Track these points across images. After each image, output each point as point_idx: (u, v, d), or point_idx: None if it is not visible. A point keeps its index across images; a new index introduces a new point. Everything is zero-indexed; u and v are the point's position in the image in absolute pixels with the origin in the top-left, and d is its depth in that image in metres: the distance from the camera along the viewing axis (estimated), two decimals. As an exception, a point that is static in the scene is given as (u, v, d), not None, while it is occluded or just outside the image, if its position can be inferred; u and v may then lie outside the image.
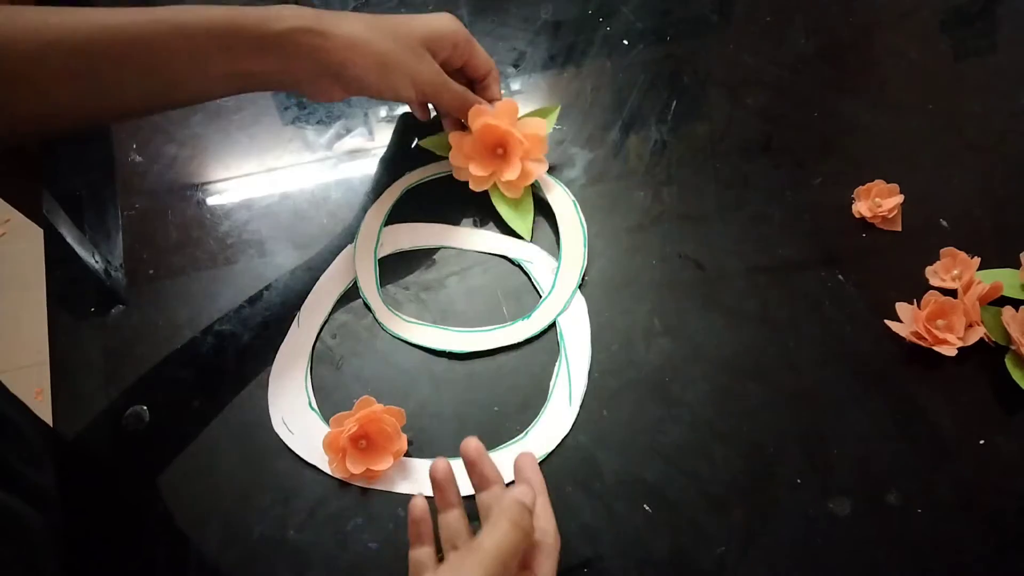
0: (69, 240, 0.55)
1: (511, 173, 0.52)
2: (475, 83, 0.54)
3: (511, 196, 0.53)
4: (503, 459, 0.45)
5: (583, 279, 0.51)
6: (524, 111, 0.55)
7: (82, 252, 0.55)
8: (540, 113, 0.56)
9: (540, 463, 0.44)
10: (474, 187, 0.53)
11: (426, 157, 0.57)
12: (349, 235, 0.54)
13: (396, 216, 0.55)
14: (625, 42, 0.64)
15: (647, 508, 0.44)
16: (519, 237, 0.53)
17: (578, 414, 0.47)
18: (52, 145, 0.59)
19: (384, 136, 0.59)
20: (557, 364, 0.48)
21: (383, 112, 0.61)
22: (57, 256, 0.55)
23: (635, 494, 0.44)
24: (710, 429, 0.46)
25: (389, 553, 0.43)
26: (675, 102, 0.60)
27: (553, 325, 0.50)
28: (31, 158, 0.60)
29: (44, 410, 0.48)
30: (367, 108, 0.61)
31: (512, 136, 0.52)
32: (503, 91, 0.61)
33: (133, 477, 0.46)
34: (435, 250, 0.53)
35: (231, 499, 0.45)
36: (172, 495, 0.45)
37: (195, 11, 0.43)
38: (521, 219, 0.53)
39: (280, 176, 0.58)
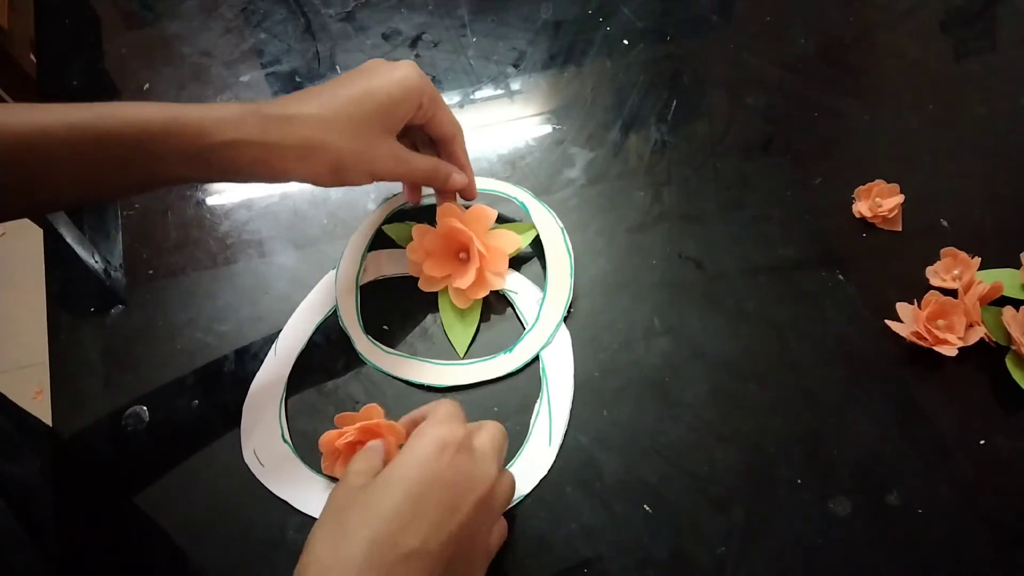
0: (69, 240, 0.55)
1: (464, 281, 0.49)
2: (439, 145, 0.50)
3: (459, 305, 0.50)
4: None
5: (569, 311, 0.50)
6: (524, 112, 0.55)
7: (82, 252, 0.55)
8: (518, 228, 0.53)
9: (513, 508, 0.44)
10: (423, 287, 0.50)
11: None
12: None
13: (379, 242, 0.54)
14: (625, 42, 0.64)
15: (647, 508, 0.44)
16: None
17: (578, 414, 0.47)
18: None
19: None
20: (538, 402, 0.47)
21: (383, 112, 0.61)
22: (57, 256, 0.55)
23: (635, 494, 0.44)
24: (710, 429, 0.46)
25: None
26: (675, 102, 0.60)
27: (536, 359, 0.49)
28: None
29: (44, 410, 0.48)
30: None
31: (474, 246, 0.49)
32: (502, 91, 0.62)
33: (133, 477, 0.46)
34: (418, 278, 0.51)
35: (231, 499, 0.45)
36: (172, 495, 0.45)
37: (124, 112, 0.39)
38: (463, 331, 0.49)
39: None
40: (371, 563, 0.32)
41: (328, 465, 0.44)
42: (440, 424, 0.37)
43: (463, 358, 0.49)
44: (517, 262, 0.52)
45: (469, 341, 0.49)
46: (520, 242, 0.51)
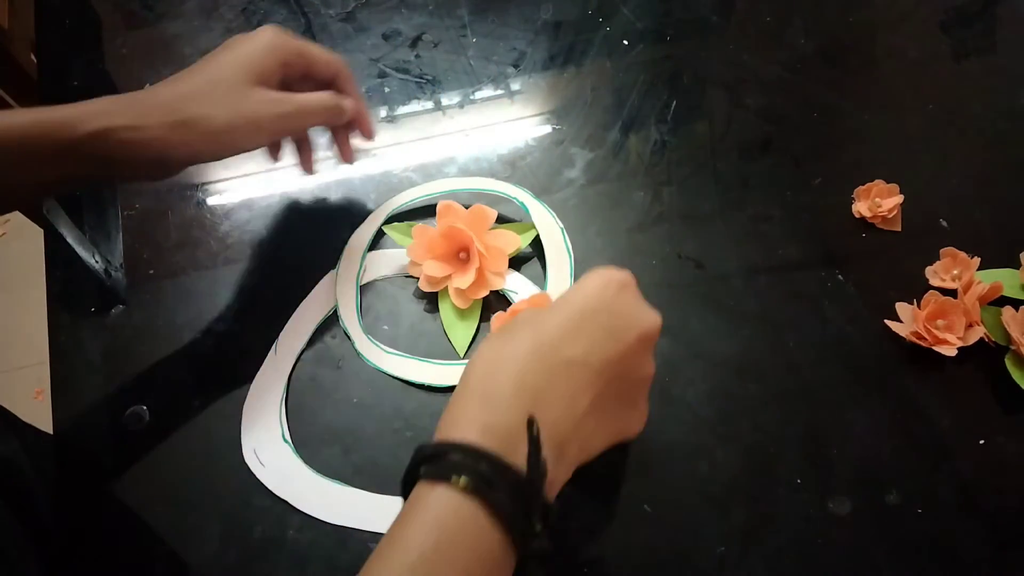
0: (69, 240, 0.55)
1: (464, 281, 0.49)
2: (330, 88, 0.50)
3: (459, 305, 0.49)
4: None
5: None
6: (524, 113, 0.55)
7: (82, 252, 0.55)
8: (518, 228, 0.53)
9: None
10: (423, 287, 0.50)
11: (409, 182, 0.57)
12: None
13: (380, 242, 0.54)
14: (625, 42, 0.64)
15: (647, 508, 0.44)
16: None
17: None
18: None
19: (385, 136, 0.59)
20: None
21: (383, 112, 0.61)
22: (57, 256, 0.55)
23: (635, 494, 0.44)
24: (710, 429, 0.46)
25: (389, 553, 0.43)
26: (675, 102, 0.60)
27: None
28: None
29: (44, 410, 0.48)
30: (367, 108, 0.61)
31: (474, 246, 0.49)
32: (503, 91, 0.62)
33: (133, 477, 0.46)
34: (418, 278, 0.51)
35: (231, 499, 0.45)
36: (172, 495, 0.45)
37: None
38: (463, 331, 0.49)
39: (280, 176, 0.58)
40: (535, 358, 0.34)
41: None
42: (604, 269, 0.38)
43: (463, 358, 0.49)
44: (517, 262, 0.52)
45: (469, 341, 0.49)
46: (520, 242, 0.51)
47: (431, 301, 0.51)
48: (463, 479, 0.29)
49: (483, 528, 0.29)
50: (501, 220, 0.53)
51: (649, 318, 0.38)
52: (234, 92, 0.43)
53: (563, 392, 0.34)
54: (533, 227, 0.53)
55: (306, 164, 0.53)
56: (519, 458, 0.31)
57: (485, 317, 0.50)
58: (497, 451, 0.30)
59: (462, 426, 0.32)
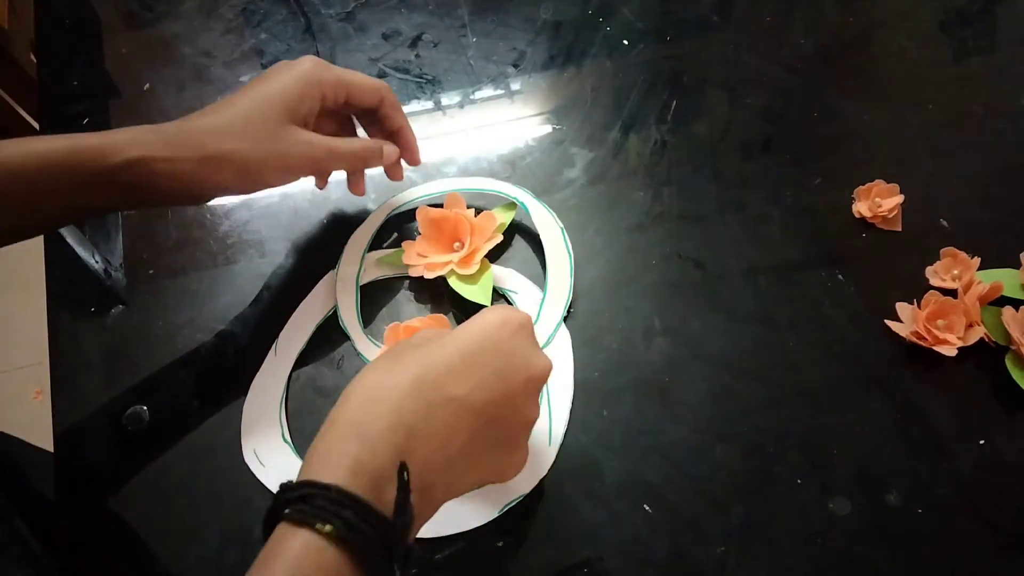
0: (69, 240, 0.55)
1: (462, 252, 0.50)
2: (373, 116, 0.50)
3: (466, 272, 0.50)
4: (483, 498, 0.44)
5: (569, 311, 0.50)
6: (524, 113, 0.54)
7: (82, 252, 0.55)
8: (498, 211, 0.53)
9: (512, 507, 0.43)
10: (428, 274, 0.50)
11: (409, 183, 0.57)
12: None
13: (380, 241, 0.54)
14: (625, 42, 0.64)
15: (647, 508, 0.44)
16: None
17: (578, 414, 0.47)
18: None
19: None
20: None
21: (383, 112, 0.61)
22: (57, 256, 0.55)
23: (635, 494, 0.44)
24: (710, 429, 0.46)
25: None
26: (675, 102, 0.60)
27: None
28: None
29: (44, 410, 0.48)
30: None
31: (462, 221, 0.50)
32: (503, 91, 0.62)
33: (133, 477, 0.46)
34: (419, 277, 0.51)
35: (231, 499, 0.45)
36: (172, 495, 0.45)
37: (23, 146, 0.39)
38: (482, 292, 0.50)
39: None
40: (414, 395, 0.33)
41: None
42: (505, 308, 0.38)
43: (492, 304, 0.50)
44: (517, 262, 0.52)
45: (490, 294, 0.50)
46: (502, 218, 0.52)
47: (431, 300, 0.51)
48: (328, 526, 0.28)
49: (343, 574, 0.29)
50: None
51: (540, 362, 0.37)
52: (266, 130, 0.43)
53: (439, 430, 0.33)
54: (512, 206, 0.54)
55: (355, 188, 0.52)
56: (386, 501, 0.30)
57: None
58: (365, 495, 0.30)
59: (332, 462, 0.31)
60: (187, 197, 0.44)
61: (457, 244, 0.51)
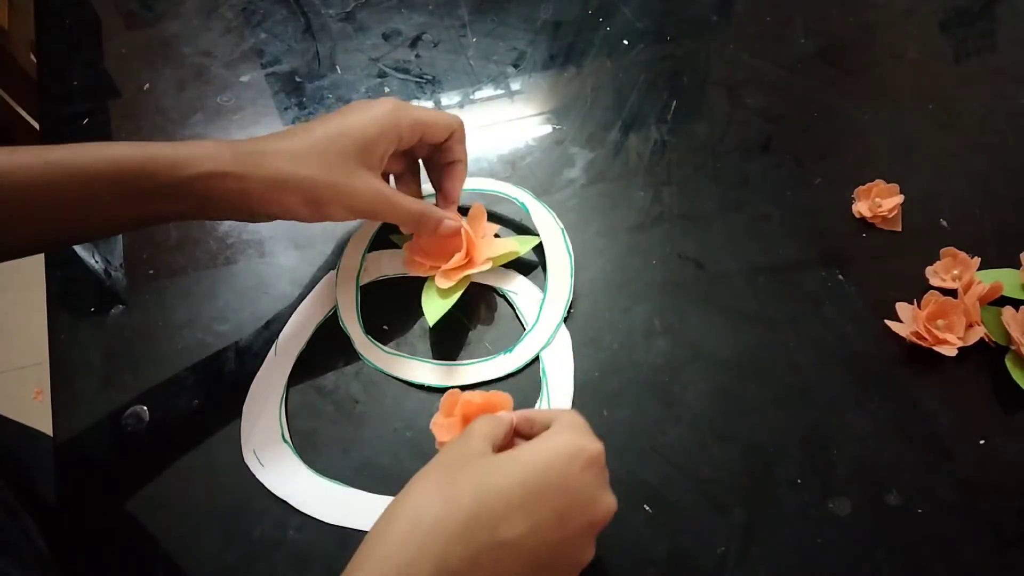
0: (69, 240, 0.55)
1: (451, 264, 0.49)
2: (443, 145, 0.49)
3: (440, 286, 0.49)
4: None
5: (569, 311, 0.50)
6: (524, 113, 0.54)
7: (82, 252, 0.55)
8: (520, 241, 0.52)
9: None
10: (412, 270, 0.51)
11: None
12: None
13: (380, 242, 0.54)
14: (625, 42, 0.64)
15: (647, 508, 0.44)
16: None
17: (578, 414, 0.46)
18: (52, 145, 0.59)
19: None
20: (538, 402, 0.47)
21: (383, 112, 0.61)
22: (57, 256, 0.55)
23: (635, 494, 0.44)
24: (710, 429, 0.46)
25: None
26: (675, 102, 0.60)
27: (536, 359, 0.49)
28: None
29: (44, 410, 0.48)
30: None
31: (465, 231, 0.49)
32: (503, 91, 0.62)
33: (133, 477, 0.46)
34: (420, 277, 0.51)
35: (231, 499, 0.45)
36: (172, 495, 0.45)
37: (101, 151, 0.40)
38: (437, 306, 0.49)
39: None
40: (465, 538, 0.31)
41: (444, 431, 0.43)
42: (579, 431, 0.35)
43: (431, 328, 0.49)
44: (517, 263, 0.52)
45: (439, 316, 0.48)
46: (516, 248, 0.51)
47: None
48: None
49: None
50: (501, 221, 0.54)
51: (605, 505, 0.35)
52: (339, 167, 0.43)
53: None
54: (535, 236, 0.52)
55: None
56: None
57: (486, 318, 0.51)
58: None
59: None
60: (251, 215, 0.44)
61: (466, 259, 0.50)
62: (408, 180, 0.51)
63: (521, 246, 0.51)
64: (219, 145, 0.42)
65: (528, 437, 0.38)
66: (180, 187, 0.40)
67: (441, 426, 0.44)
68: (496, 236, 0.51)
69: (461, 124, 0.49)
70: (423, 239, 0.50)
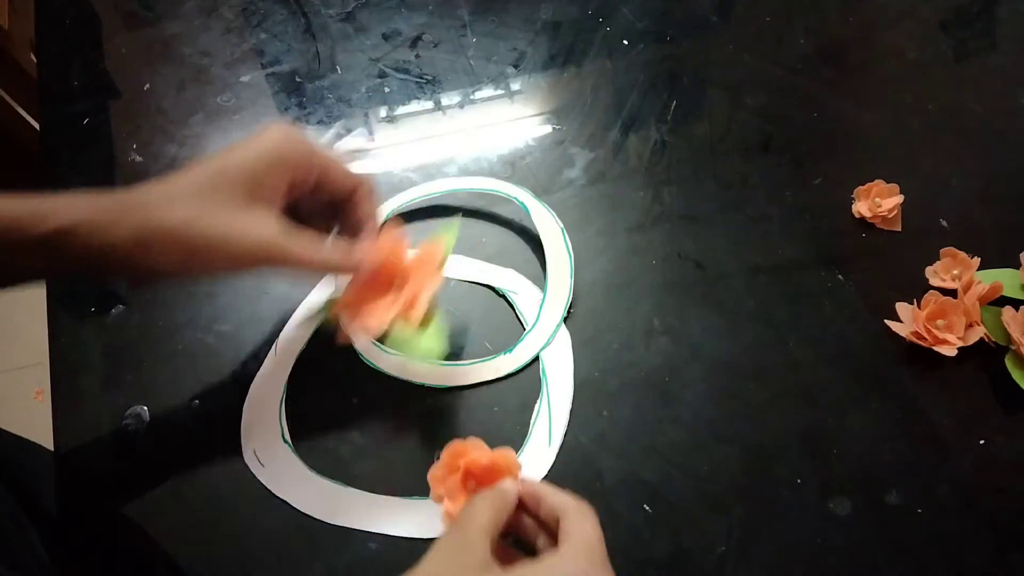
0: (69, 240, 0.55)
1: (398, 309, 0.43)
2: (344, 203, 0.43)
3: (412, 327, 0.43)
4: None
5: (569, 311, 0.50)
6: (524, 113, 0.54)
7: (82, 252, 0.55)
8: (446, 230, 0.45)
9: None
10: (367, 333, 0.44)
11: (409, 182, 0.56)
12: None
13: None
14: (625, 42, 0.64)
15: (647, 508, 0.44)
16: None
17: (578, 414, 0.47)
18: (52, 146, 0.59)
19: (385, 136, 0.59)
20: (538, 402, 0.47)
21: (383, 112, 0.61)
22: (57, 256, 0.55)
23: (635, 494, 0.44)
24: (710, 429, 0.46)
25: (389, 553, 0.43)
26: (675, 102, 0.60)
27: (536, 359, 0.49)
28: (31, 159, 0.60)
29: (44, 410, 0.48)
30: (367, 108, 0.61)
31: (405, 269, 0.44)
32: (503, 91, 0.62)
33: (133, 477, 0.46)
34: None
35: (231, 499, 0.45)
36: (172, 495, 0.45)
37: None
38: (427, 341, 0.43)
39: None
40: None
41: (440, 492, 0.40)
42: (591, 559, 0.33)
43: (443, 360, 0.47)
44: (517, 263, 0.52)
45: (440, 345, 0.44)
46: (445, 241, 0.44)
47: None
48: None
49: None
50: (502, 221, 0.53)
51: None
52: (220, 209, 0.37)
53: None
54: (453, 226, 0.45)
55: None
56: None
57: (486, 318, 0.50)
58: None
59: None
60: (125, 275, 0.38)
61: (398, 288, 0.44)
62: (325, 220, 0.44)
63: (448, 235, 0.45)
64: (89, 197, 0.36)
65: (533, 515, 0.36)
66: (39, 243, 0.35)
67: (439, 480, 0.40)
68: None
69: (370, 183, 0.43)
70: (348, 292, 0.44)
